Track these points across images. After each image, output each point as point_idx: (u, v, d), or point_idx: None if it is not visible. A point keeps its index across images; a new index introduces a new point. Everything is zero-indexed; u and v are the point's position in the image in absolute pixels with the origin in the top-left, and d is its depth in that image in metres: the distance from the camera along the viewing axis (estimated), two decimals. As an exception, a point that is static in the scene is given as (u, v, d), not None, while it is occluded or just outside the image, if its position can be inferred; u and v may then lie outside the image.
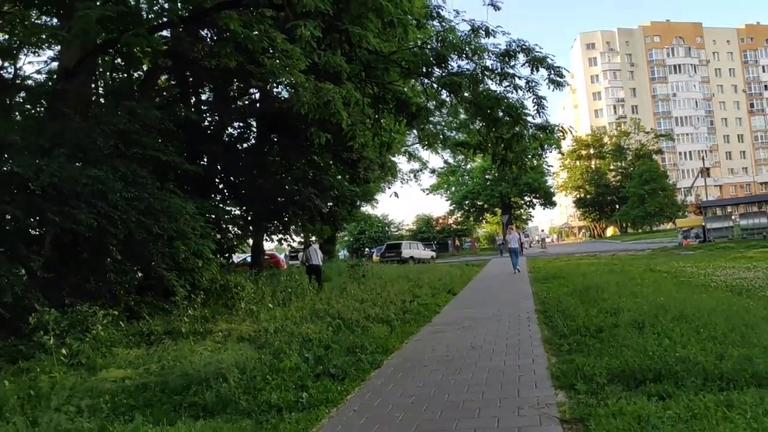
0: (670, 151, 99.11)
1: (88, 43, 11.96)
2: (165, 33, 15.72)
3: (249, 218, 21.29)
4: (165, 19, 13.94)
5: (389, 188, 38.39)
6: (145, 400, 6.16)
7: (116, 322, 9.92)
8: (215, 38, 16.41)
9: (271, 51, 11.34)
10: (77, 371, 7.53)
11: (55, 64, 15.86)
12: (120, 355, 8.41)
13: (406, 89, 13.64)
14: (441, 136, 34.82)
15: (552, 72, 10.54)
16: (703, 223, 35.60)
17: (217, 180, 20.06)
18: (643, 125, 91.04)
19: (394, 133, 15.15)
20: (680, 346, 6.29)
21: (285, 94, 19.45)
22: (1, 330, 9.09)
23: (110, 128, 11.84)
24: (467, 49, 10.83)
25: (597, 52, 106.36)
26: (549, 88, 10.77)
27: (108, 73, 18.11)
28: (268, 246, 32.48)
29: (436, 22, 11.77)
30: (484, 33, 10.63)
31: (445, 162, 59.41)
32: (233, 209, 20.52)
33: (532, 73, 10.71)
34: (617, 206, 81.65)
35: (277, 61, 10.66)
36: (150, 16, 14.61)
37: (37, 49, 16.55)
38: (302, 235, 24.78)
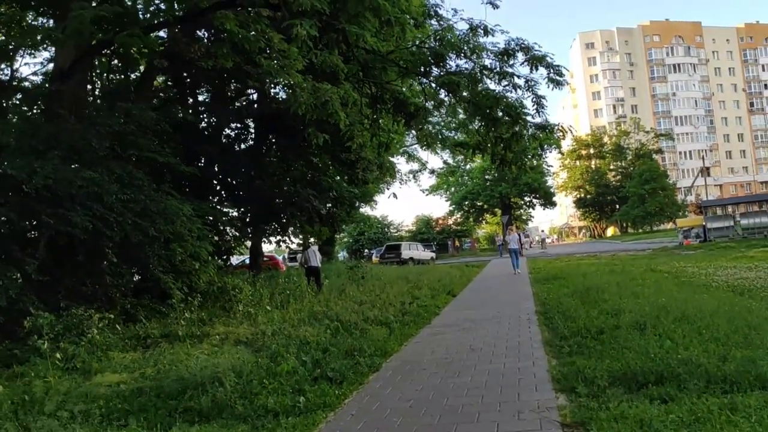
0: (670, 151, 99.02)
1: (83, 44, 11.91)
2: (162, 34, 15.66)
3: (247, 220, 21.21)
4: (161, 19, 13.87)
5: (388, 189, 38.23)
6: (140, 404, 6.07)
7: (112, 326, 9.83)
8: (212, 39, 16.34)
9: (268, 51, 11.27)
10: (72, 376, 7.46)
11: (51, 66, 15.80)
12: (116, 359, 8.32)
13: (404, 89, 13.57)
14: (440, 137, 34.72)
15: (551, 71, 10.48)
16: (704, 223, 35.54)
17: (214, 182, 20.00)
18: (643, 125, 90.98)
19: (393, 133, 15.08)
20: (682, 348, 6.20)
21: (282, 95, 19.39)
22: (-5, 334, 9.00)
23: (106, 130, 11.77)
24: (466, 48, 10.76)
25: (596, 52, 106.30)
26: (548, 87, 10.73)
27: (105, 75, 18.05)
28: (268, 248, 32.47)
29: (434, 21, 11.71)
30: (482, 32, 10.57)
31: (445, 162, 59.46)
32: (231, 211, 20.43)
33: (531, 72, 10.67)
34: (617, 206, 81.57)
35: (275, 61, 10.59)
36: (146, 17, 14.55)
37: (33, 51, 16.51)
38: (301, 236, 24.68)
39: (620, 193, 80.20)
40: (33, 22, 16.13)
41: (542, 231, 78.74)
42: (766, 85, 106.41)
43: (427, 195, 75.21)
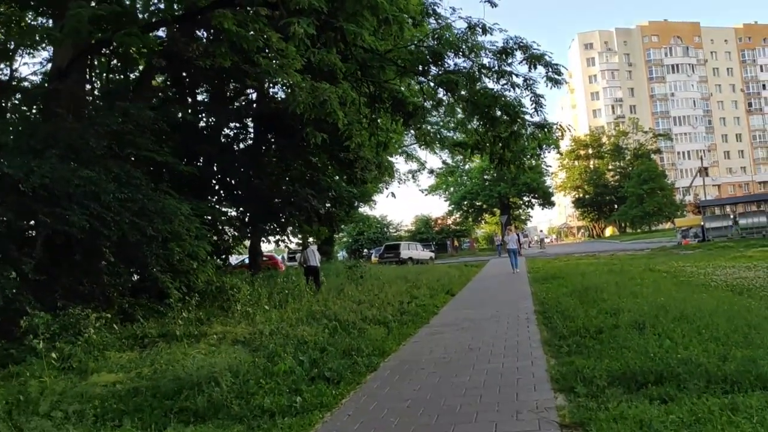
0: (669, 151, 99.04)
1: (81, 43, 11.86)
2: (161, 33, 15.62)
3: (246, 219, 21.17)
4: (160, 18, 13.83)
5: (387, 188, 38.19)
6: (136, 405, 6.02)
7: (109, 325, 9.78)
8: (211, 38, 16.30)
9: (266, 51, 11.24)
10: (68, 375, 7.40)
11: (50, 66, 15.77)
12: (112, 358, 8.26)
13: (402, 88, 13.53)
14: (438, 136, 34.67)
15: (550, 69, 10.44)
16: (702, 223, 35.54)
17: (213, 181, 19.95)
18: (642, 125, 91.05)
19: (391, 132, 15.05)
20: (682, 348, 6.16)
21: (281, 95, 19.37)
22: (-8, 333, 8.95)
23: (104, 129, 11.73)
24: (464, 46, 10.72)
25: (595, 52, 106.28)
26: (547, 86, 10.70)
27: (104, 75, 18.03)
28: (267, 247, 32.44)
29: (432, 20, 11.66)
30: (480, 30, 10.53)
31: (444, 162, 59.37)
32: (230, 210, 20.41)
33: (529, 70, 10.64)
34: (616, 206, 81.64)
35: (273, 61, 10.55)
36: (144, 16, 14.53)
37: (32, 51, 16.49)
38: (299, 236, 24.64)
39: (619, 193, 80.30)
40: (32, 22, 16.10)
41: (541, 231, 78.84)
42: (764, 85, 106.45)
43: (426, 195, 75.32)
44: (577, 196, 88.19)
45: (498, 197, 69.78)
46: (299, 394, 6.01)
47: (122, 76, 18.12)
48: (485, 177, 70.73)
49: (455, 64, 11.21)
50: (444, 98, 12.42)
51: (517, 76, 10.82)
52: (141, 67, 17.14)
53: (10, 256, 9.67)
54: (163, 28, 14.82)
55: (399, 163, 57.92)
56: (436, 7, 11.59)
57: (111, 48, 15.70)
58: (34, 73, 17.52)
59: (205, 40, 16.44)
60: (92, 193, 10.26)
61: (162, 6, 15.12)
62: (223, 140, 20.37)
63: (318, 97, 9.56)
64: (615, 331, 7.54)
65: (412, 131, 19.83)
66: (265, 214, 20.85)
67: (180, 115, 17.08)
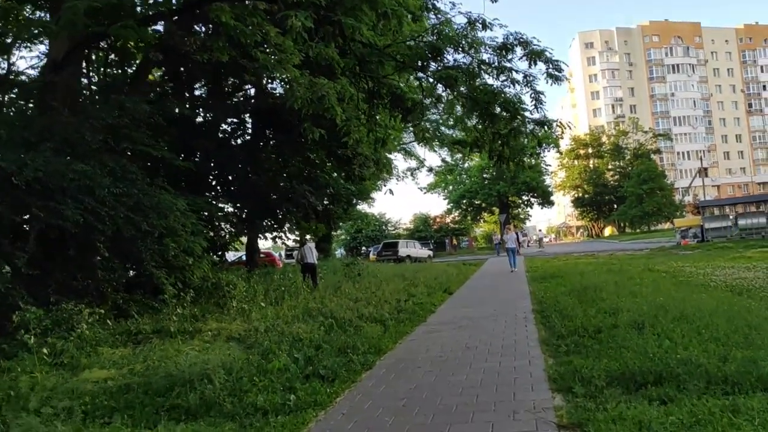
0: (668, 151, 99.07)
1: (77, 35, 11.73)
2: (158, 27, 15.50)
3: (243, 216, 21.06)
4: (159, 10, 13.71)
5: (385, 185, 38.08)
6: (127, 401, 5.94)
7: (103, 321, 9.67)
8: (209, 32, 16.19)
9: (264, 45, 11.14)
10: (59, 371, 7.32)
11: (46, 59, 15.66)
12: (105, 354, 8.18)
13: (401, 84, 13.43)
14: (437, 134, 34.62)
15: (550, 66, 10.34)
16: (701, 223, 35.50)
17: (210, 177, 19.83)
18: (642, 125, 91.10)
19: (390, 128, 14.95)
20: (681, 348, 6.08)
21: (280, 90, 19.25)
22: (-16, 328, 8.84)
23: (99, 123, 11.61)
24: (463, 42, 10.62)
25: (595, 52, 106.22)
26: (547, 82, 10.58)
27: (102, 69, 17.91)
28: (265, 244, 32.33)
29: (431, 15, 11.56)
30: (480, 26, 10.42)
31: (443, 160, 59.24)
32: (226, 206, 20.30)
33: (530, 67, 10.53)
34: (615, 206, 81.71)
35: (272, 56, 10.46)
36: (142, 9, 14.39)
37: (29, 44, 16.35)
38: (297, 233, 24.55)
39: (618, 192, 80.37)
40: (30, 16, 15.98)
41: (539, 230, 78.93)
42: (764, 86, 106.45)
43: (425, 193, 75.22)
44: (576, 195, 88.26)
45: (497, 196, 69.78)
46: (293, 392, 5.93)
47: (120, 71, 18.00)
48: (484, 176, 70.75)
49: (455, 60, 11.11)
50: (443, 94, 12.33)
51: (517, 72, 10.73)
52: (138, 62, 17.01)
53: (2, 250, 9.55)
54: (161, 22, 14.71)
55: (398, 160, 58.01)
56: (435, 2, 11.53)
57: (108, 42, 15.59)
58: (32, 67, 17.41)
59: (202, 34, 16.32)
60: (87, 187, 10.14)
61: (160, -1, 15.00)
62: (220, 135, 20.24)
63: (316, 92, 9.48)
64: (614, 330, 7.46)
65: (410, 128, 19.71)
66: (263, 210, 20.74)
67: (177, 109, 16.95)
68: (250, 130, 21.19)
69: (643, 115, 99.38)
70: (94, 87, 17.06)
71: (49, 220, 9.63)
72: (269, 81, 19.22)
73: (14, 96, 15.88)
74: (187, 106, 18.92)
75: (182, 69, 18.12)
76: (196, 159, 18.05)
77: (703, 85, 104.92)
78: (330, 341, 8.27)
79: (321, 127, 11.73)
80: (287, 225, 23.51)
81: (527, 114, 10.80)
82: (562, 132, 11.48)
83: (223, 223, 19.08)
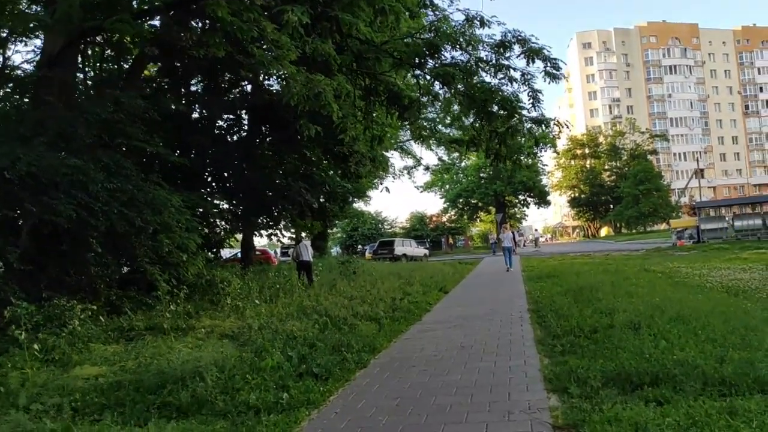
0: (665, 152, 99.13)
1: (72, 29, 11.63)
2: (154, 22, 15.38)
3: (238, 213, 20.94)
4: (156, 4, 13.61)
5: (381, 183, 37.99)
6: (118, 399, 5.87)
7: (95, 317, 9.57)
8: (205, 28, 16.08)
9: (261, 41, 11.05)
10: (50, 368, 7.24)
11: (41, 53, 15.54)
12: (97, 351, 8.10)
13: (398, 81, 13.35)
14: (434, 132, 34.53)
15: (548, 64, 10.28)
16: (697, 224, 35.53)
17: (205, 173, 19.72)
18: (638, 125, 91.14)
19: (386, 126, 14.88)
20: (678, 349, 6.04)
21: (276, 87, 19.15)
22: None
23: (94, 117, 11.50)
24: (461, 39, 10.56)
25: (593, 52, 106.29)
26: (545, 80, 10.52)
27: (97, 64, 17.79)
28: (260, 242, 32.20)
29: (429, 11, 11.49)
30: (478, 23, 10.35)
31: (440, 159, 59.15)
32: (222, 203, 20.16)
33: (527, 65, 10.46)
34: (611, 206, 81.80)
35: (268, 52, 10.38)
36: (138, 4, 14.29)
37: (25, 39, 16.22)
38: (292, 230, 24.46)
39: (614, 193, 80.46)
40: (26, 10, 15.85)
41: (536, 230, 78.86)
42: (761, 88, 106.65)
43: (421, 192, 75.14)
44: (572, 195, 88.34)
45: (494, 195, 69.75)
46: (286, 390, 5.88)
47: (115, 66, 17.87)
48: (481, 175, 70.68)
49: (452, 57, 11.04)
50: (440, 92, 12.26)
51: (514, 70, 10.67)
52: (134, 57, 16.90)
53: (-6, 244, 9.47)
54: (157, 17, 14.61)
55: (394, 158, 57.72)
56: (433, -2, 11.44)
57: (104, 36, 15.47)
58: (27, 62, 17.26)
59: (199, 30, 16.22)
60: (80, 182, 10.06)
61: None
62: (216, 132, 20.11)
63: (312, 89, 9.43)
64: (610, 330, 7.42)
65: (407, 126, 19.65)
66: (258, 207, 20.63)
67: (173, 105, 16.85)
68: (246, 127, 21.08)
69: (640, 115, 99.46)
70: (89, 82, 16.94)
71: (42, 215, 9.55)
72: (266, 77, 19.12)
73: (9, 90, 15.78)
74: (183, 101, 18.84)
75: (178, 64, 18.00)
76: (192, 155, 17.95)
77: (700, 87, 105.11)
78: (324, 339, 8.22)
79: (317, 124, 11.67)
80: (283, 222, 23.41)
81: (524, 112, 10.75)
82: (560, 131, 11.41)
83: (218, 220, 18.96)
